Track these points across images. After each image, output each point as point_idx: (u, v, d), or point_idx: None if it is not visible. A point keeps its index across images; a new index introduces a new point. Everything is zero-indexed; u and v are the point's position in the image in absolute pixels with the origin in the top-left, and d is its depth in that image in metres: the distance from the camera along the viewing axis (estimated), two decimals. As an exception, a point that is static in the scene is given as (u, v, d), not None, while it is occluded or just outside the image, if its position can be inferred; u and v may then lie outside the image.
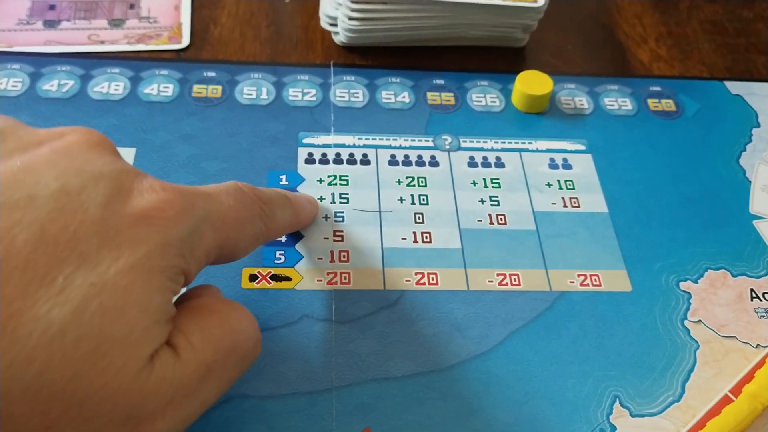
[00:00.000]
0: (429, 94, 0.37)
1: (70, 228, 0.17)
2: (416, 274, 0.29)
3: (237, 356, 0.21)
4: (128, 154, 0.32)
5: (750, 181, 0.34)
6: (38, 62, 0.35)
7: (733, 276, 0.30)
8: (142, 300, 0.18)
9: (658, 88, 0.38)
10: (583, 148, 0.35)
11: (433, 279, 0.29)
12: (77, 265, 0.17)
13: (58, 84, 0.34)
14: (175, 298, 0.20)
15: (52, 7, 0.38)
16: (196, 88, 0.35)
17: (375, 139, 0.34)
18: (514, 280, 0.29)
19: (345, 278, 0.29)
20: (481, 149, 0.34)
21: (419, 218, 0.31)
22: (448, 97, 0.37)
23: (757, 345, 0.28)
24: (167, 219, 0.19)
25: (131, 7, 0.39)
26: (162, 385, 0.18)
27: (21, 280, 0.16)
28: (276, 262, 0.29)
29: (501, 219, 0.31)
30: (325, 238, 0.30)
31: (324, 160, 0.33)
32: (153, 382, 0.18)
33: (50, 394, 0.16)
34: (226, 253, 0.22)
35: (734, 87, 0.39)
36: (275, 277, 0.28)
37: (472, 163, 0.34)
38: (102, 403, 0.17)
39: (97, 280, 0.17)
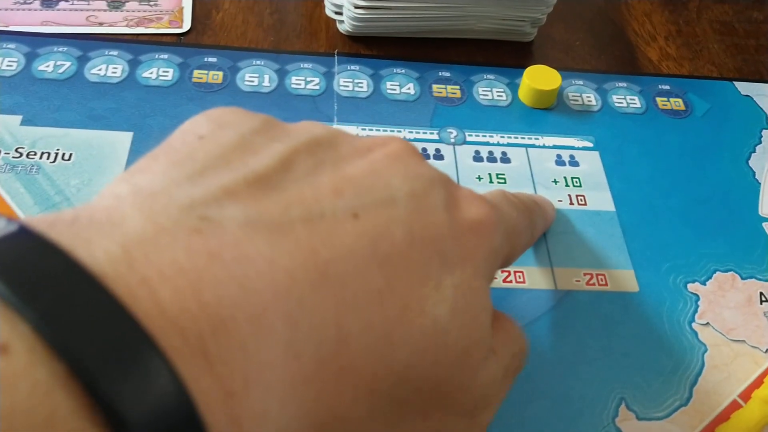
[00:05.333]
0: (434, 87, 0.36)
1: (429, 228, 0.18)
2: (419, 268, 0.28)
3: (519, 363, 0.22)
4: (125, 138, 0.31)
5: (759, 183, 0.34)
6: (34, 42, 0.34)
7: (742, 278, 0.30)
8: (485, 304, 0.19)
9: (667, 87, 0.38)
10: (590, 145, 0.34)
11: (436, 274, 0.28)
12: (441, 265, 0.18)
13: (54, 65, 0.33)
14: None
15: (50, -13, 0.37)
16: (196, 73, 0.34)
17: (379, 130, 0.33)
18: (519, 277, 0.29)
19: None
20: (487, 143, 0.34)
21: (423, 212, 0.30)
22: (454, 90, 0.36)
23: (767, 350, 0.27)
24: (490, 229, 0.19)
25: (131, -11, 0.38)
26: (493, 381, 0.19)
27: (405, 274, 0.17)
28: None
29: (506, 215, 0.31)
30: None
31: (326, 150, 0.32)
32: (488, 378, 0.19)
33: (436, 384, 0.17)
34: (505, 263, 0.23)
35: (744, 88, 0.38)
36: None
37: (477, 158, 0.33)
38: (462, 396, 0.18)
39: (458, 282, 0.18)
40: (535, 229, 0.26)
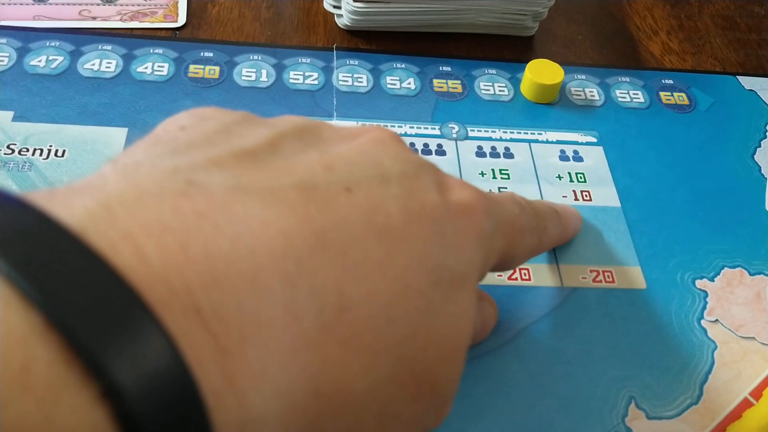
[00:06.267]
0: (435, 81, 0.35)
1: (425, 208, 0.17)
2: (422, 266, 0.28)
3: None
4: (120, 134, 0.30)
5: (765, 178, 0.33)
6: (26, 37, 0.33)
7: (751, 275, 0.29)
8: (474, 298, 0.19)
9: (670, 81, 0.37)
10: (594, 140, 0.34)
11: (439, 271, 0.28)
12: (441, 246, 0.17)
13: (46, 59, 0.32)
14: None
15: (41, -19, 0.36)
16: (192, 68, 0.34)
17: (379, 125, 0.33)
18: (525, 274, 0.28)
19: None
20: (490, 139, 0.33)
21: (425, 208, 0.30)
22: (455, 85, 0.35)
23: (777, 346, 0.27)
24: (479, 213, 0.19)
25: (125, -17, 0.37)
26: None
27: (404, 249, 0.16)
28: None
29: (510, 211, 0.30)
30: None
31: (326, 146, 0.31)
32: (462, 368, 0.19)
33: (426, 368, 0.17)
34: (506, 261, 0.23)
35: (748, 82, 0.38)
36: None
37: (480, 153, 0.32)
38: (447, 385, 0.18)
39: (455, 268, 0.18)
40: (544, 234, 0.25)
